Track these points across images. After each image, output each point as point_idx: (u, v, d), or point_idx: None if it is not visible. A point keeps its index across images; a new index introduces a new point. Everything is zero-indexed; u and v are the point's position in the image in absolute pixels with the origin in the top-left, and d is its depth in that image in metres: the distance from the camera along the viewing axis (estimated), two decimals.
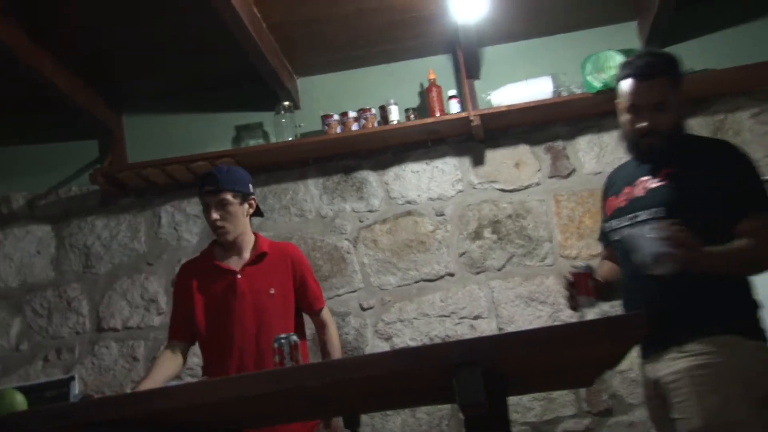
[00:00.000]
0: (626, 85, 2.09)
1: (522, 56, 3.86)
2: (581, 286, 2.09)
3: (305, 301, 2.79)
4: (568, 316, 3.59)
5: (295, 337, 2.08)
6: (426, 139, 3.87)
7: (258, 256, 2.73)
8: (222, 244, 2.75)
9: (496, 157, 3.88)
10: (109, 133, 3.99)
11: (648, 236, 1.85)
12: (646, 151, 2.08)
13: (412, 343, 3.68)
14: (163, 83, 3.94)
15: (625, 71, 2.10)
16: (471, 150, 3.90)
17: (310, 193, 3.91)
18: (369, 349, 3.70)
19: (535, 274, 3.73)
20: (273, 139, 3.91)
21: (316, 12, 3.48)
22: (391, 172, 3.92)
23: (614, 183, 2.23)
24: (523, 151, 3.87)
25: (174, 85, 3.96)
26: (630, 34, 3.77)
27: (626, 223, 2.07)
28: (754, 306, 2.01)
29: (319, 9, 3.46)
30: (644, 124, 2.06)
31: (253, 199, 2.78)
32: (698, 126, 3.75)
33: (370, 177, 3.93)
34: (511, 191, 3.85)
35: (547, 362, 1.68)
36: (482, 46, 3.87)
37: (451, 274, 3.79)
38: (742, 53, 3.67)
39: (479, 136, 3.83)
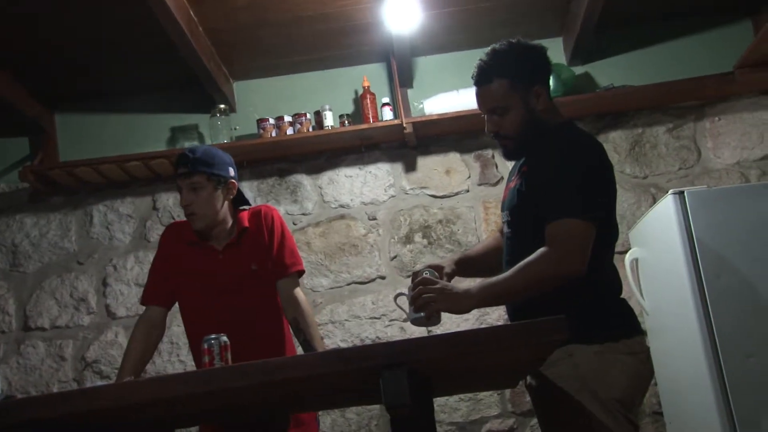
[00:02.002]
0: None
1: (454, 67, 3.88)
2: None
3: (271, 265, 2.56)
4: (494, 319, 3.61)
5: (225, 338, 2.03)
6: (360, 145, 3.87)
7: (240, 233, 2.58)
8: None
9: (427, 163, 3.90)
10: (40, 130, 3.88)
11: (408, 298, 1.90)
12: (503, 152, 2.09)
13: (344, 345, 3.67)
14: (98, 83, 3.85)
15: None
16: (403, 156, 3.91)
17: (245, 195, 3.82)
18: (300, 351, 3.64)
19: (464, 278, 3.72)
20: (208, 141, 3.86)
21: (253, 18, 3.44)
22: (325, 177, 3.91)
23: (509, 175, 2.23)
24: (453, 158, 3.90)
25: (109, 85, 3.88)
26: (556, 50, 3.84)
27: (504, 219, 2.07)
28: (596, 307, 1.91)
29: (256, 15, 3.43)
30: (487, 128, 2.05)
31: (234, 183, 2.58)
32: (618, 139, 3.84)
33: (305, 181, 3.91)
34: (441, 197, 3.86)
35: (472, 364, 1.67)
36: (416, 56, 3.90)
37: (383, 277, 3.79)
38: (659, 71, 3.77)
39: (411, 143, 3.84)
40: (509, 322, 2.08)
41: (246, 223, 2.59)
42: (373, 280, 3.80)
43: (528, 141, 2.02)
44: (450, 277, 2.11)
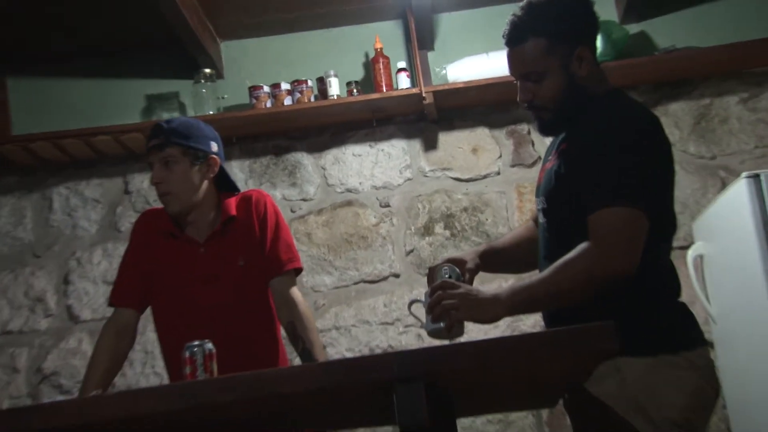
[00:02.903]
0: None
1: (483, 25, 3.86)
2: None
3: (263, 261, 2.59)
4: (529, 326, 3.61)
5: (210, 345, 2.00)
6: (371, 118, 3.88)
7: (225, 222, 2.59)
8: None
9: (450, 140, 3.90)
10: None
11: (425, 305, 1.91)
12: (537, 125, 2.09)
13: (349, 355, 3.68)
14: (60, 42, 3.85)
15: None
16: (422, 132, 3.91)
17: (234, 176, 3.80)
18: (298, 361, 3.64)
19: (493, 276, 3.69)
20: (191, 113, 3.87)
21: None
22: (330, 155, 3.92)
23: (545, 154, 2.23)
24: (481, 134, 3.89)
25: (73, 45, 3.89)
26: (606, 4, 3.81)
27: (540, 206, 2.08)
28: (649, 313, 1.91)
29: None
30: (520, 97, 2.05)
31: (215, 160, 2.58)
32: (680, 111, 3.83)
33: (305, 160, 3.92)
34: (467, 181, 3.87)
35: (502, 379, 1.66)
36: (437, 12, 3.87)
37: (397, 275, 3.80)
38: (731, 29, 3.73)
39: (432, 116, 3.83)
40: (545, 328, 2.08)
41: (233, 211, 2.61)
42: (386, 278, 3.80)
43: (568, 113, 2.02)
44: (473, 272, 2.13)
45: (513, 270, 2.37)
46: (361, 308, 3.78)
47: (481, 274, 2.15)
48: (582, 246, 1.82)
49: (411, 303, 2.03)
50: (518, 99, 2.07)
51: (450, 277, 2.03)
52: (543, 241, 2.07)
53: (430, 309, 1.88)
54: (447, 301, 1.86)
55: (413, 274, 3.79)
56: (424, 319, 1.93)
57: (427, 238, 3.83)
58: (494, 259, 2.22)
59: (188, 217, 2.60)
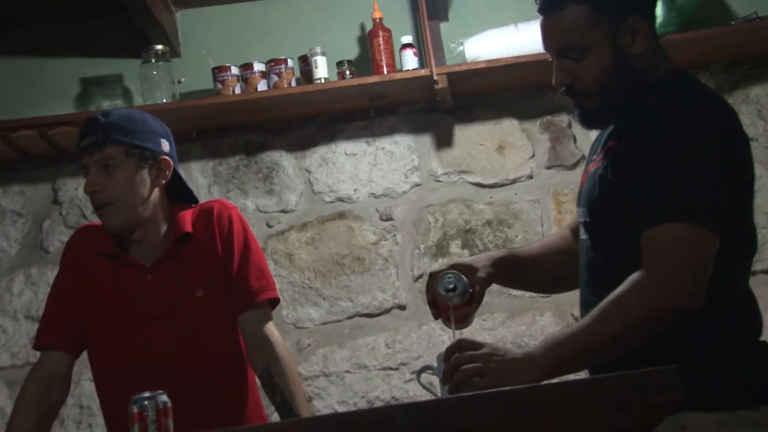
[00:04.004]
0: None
1: None
2: (445, 315, 2.12)
3: (229, 291, 2.62)
4: None
5: (164, 398, 1.90)
6: (368, 107, 3.87)
7: (178, 241, 2.61)
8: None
9: (469, 135, 3.89)
10: None
11: (438, 373, 1.94)
12: (578, 115, 2.10)
13: (342, 409, 3.67)
14: None
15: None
16: (434, 125, 3.91)
17: (195, 181, 3.88)
18: (275, 418, 3.60)
19: (525, 308, 3.77)
20: (138, 101, 3.88)
21: None
22: (316, 155, 3.92)
23: (590, 153, 2.26)
24: (509, 127, 3.89)
25: None
26: None
27: (581, 219, 2.10)
28: (721, 356, 1.92)
29: None
30: (556, 79, 2.07)
31: (167, 161, 2.62)
32: (764, 97, 3.84)
33: (284, 161, 3.93)
34: (490, 186, 3.86)
35: None
36: None
37: (402, 307, 3.80)
38: None
39: (446, 104, 3.83)
40: (588, 375, 2.08)
41: (188, 227, 2.63)
42: (388, 310, 3.80)
43: (617, 100, 2.04)
44: (484, 284, 2.15)
45: (535, 287, 2.43)
46: (356, 349, 3.77)
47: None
48: (633, 277, 1.83)
49: (420, 372, 2.06)
50: (554, 82, 2.08)
51: (454, 288, 2.05)
52: (585, 262, 2.08)
53: (447, 377, 1.89)
54: (467, 366, 1.86)
55: (423, 305, 3.59)
56: (439, 390, 1.94)
57: (440, 260, 3.79)
58: (514, 270, 2.25)
59: (133, 235, 2.62)
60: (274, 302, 2.68)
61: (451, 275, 2.05)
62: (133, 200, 2.56)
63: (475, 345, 1.89)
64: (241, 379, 2.64)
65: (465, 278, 2.07)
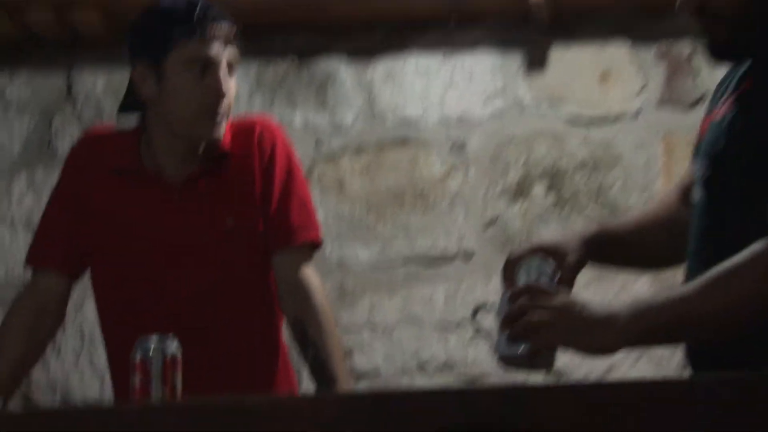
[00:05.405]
0: None
1: None
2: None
3: (265, 225, 2.58)
4: (656, 360, 3.53)
5: (174, 346, 1.89)
6: (447, 17, 3.71)
7: (216, 159, 2.55)
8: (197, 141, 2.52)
9: (568, 58, 3.75)
10: None
11: (500, 315, 1.87)
12: (708, 45, 1.98)
13: (386, 367, 3.63)
14: None
15: None
16: (525, 42, 3.76)
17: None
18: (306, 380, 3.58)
19: (604, 268, 3.64)
20: None
21: None
22: (380, 67, 3.79)
23: (714, 94, 2.15)
24: (617, 53, 3.73)
25: None
26: None
27: (699, 174, 2.02)
28: None
29: None
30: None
31: None
32: None
33: (342, 71, 3.81)
34: (588, 123, 3.71)
35: None
36: None
37: (469, 255, 3.67)
38: None
39: (543, 18, 3.65)
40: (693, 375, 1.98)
41: (226, 145, 2.56)
42: (452, 258, 3.69)
43: (757, 29, 1.87)
44: (576, 270, 2.04)
45: (634, 266, 2.39)
46: (410, 300, 3.67)
47: None
48: (757, 247, 1.71)
49: (476, 309, 2.03)
50: (679, 1, 1.92)
51: (540, 274, 1.97)
52: (697, 229, 1.95)
53: (509, 322, 1.77)
54: (536, 314, 1.74)
55: (494, 255, 3.60)
56: (497, 337, 1.84)
57: (519, 204, 3.70)
58: (608, 248, 2.13)
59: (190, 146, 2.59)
60: (316, 245, 2.65)
61: (537, 260, 1.96)
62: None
63: (549, 293, 1.82)
64: (270, 328, 2.61)
65: (553, 262, 1.97)
